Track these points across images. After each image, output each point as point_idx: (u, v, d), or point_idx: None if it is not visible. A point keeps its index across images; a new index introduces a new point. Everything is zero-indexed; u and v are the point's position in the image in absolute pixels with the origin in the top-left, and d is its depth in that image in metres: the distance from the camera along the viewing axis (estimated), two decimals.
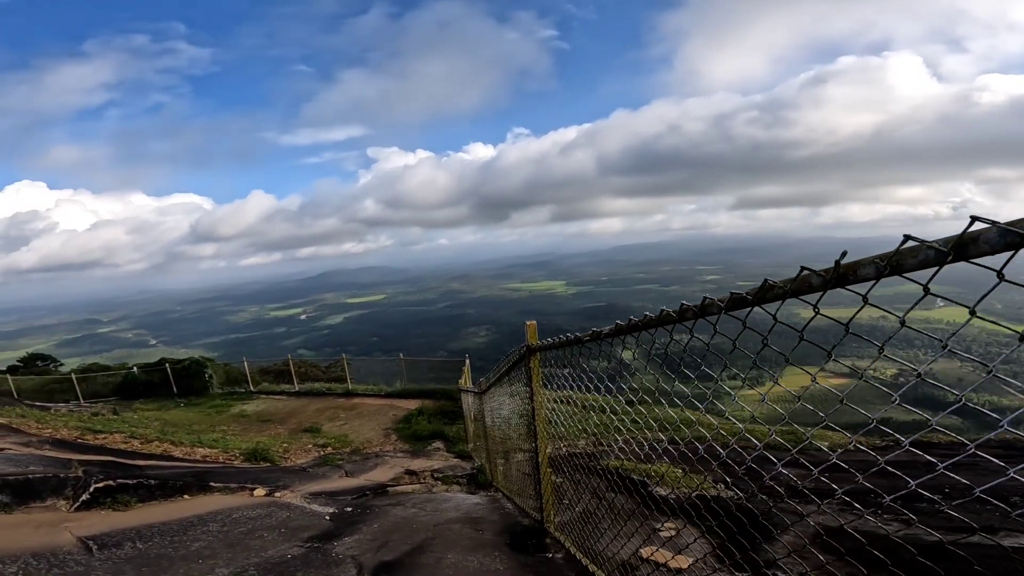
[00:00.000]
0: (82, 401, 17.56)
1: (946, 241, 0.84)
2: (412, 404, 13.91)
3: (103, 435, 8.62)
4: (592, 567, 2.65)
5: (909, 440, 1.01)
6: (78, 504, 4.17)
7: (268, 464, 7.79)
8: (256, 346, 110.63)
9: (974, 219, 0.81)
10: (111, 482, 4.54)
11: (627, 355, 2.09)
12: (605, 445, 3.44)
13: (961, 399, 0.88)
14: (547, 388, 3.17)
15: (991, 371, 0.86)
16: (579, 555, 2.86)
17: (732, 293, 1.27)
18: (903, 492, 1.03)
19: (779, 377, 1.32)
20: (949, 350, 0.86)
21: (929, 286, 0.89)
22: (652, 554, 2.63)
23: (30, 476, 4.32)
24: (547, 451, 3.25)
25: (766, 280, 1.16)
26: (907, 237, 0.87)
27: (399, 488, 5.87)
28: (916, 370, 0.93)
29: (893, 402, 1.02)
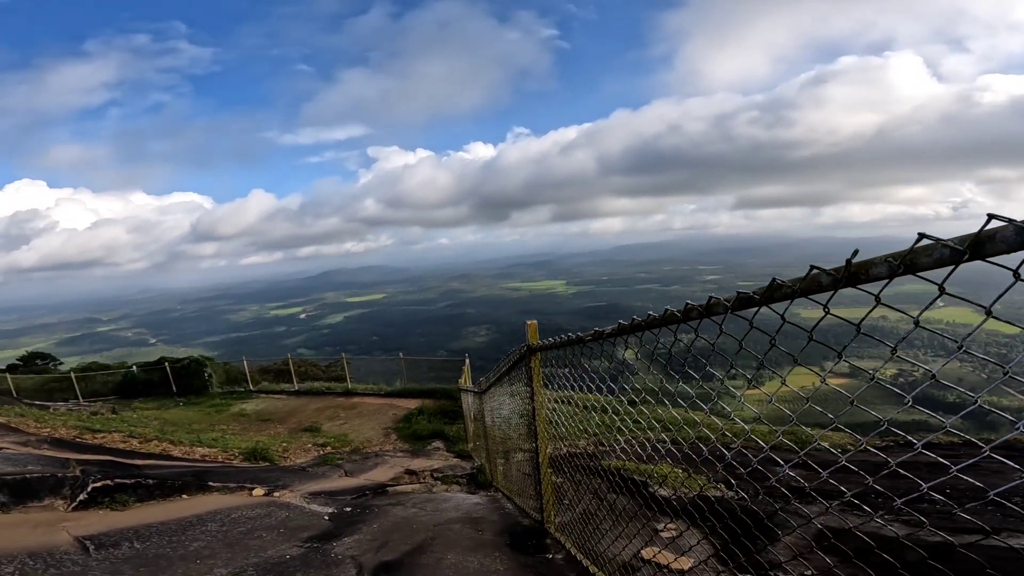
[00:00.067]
0: (81, 400, 17.55)
1: (962, 239, 0.82)
2: (412, 403, 13.89)
3: (102, 434, 8.60)
4: (593, 568, 2.63)
5: (922, 442, 0.99)
6: (76, 504, 4.15)
7: (267, 463, 7.77)
8: (256, 345, 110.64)
9: (991, 217, 0.79)
10: (109, 482, 4.52)
11: (629, 355, 2.07)
12: (606, 445, 3.42)
13: (977, 401, 0.86)
14: (548, 388, 3.15)
15: (1007, 372, 0.84)
16: (580, 556, 2.84)
17: (739, 293, 1.25)
18: (915, 495, 1.01)
19: (785, 377, 1.30)
20: (965, 351, 0.84)
21: (941, 286, 0.87)
22: (654, 556, 2.61)
23: (28, 475, 4.30)
24: (548, 451, 3.23)
25: (774, 279, 1.14)
26: (921, 235, 0.84)
27: (399, 488, 5.85)
28: (931, 371, 0.91)
29: (906, 403, 1.00)
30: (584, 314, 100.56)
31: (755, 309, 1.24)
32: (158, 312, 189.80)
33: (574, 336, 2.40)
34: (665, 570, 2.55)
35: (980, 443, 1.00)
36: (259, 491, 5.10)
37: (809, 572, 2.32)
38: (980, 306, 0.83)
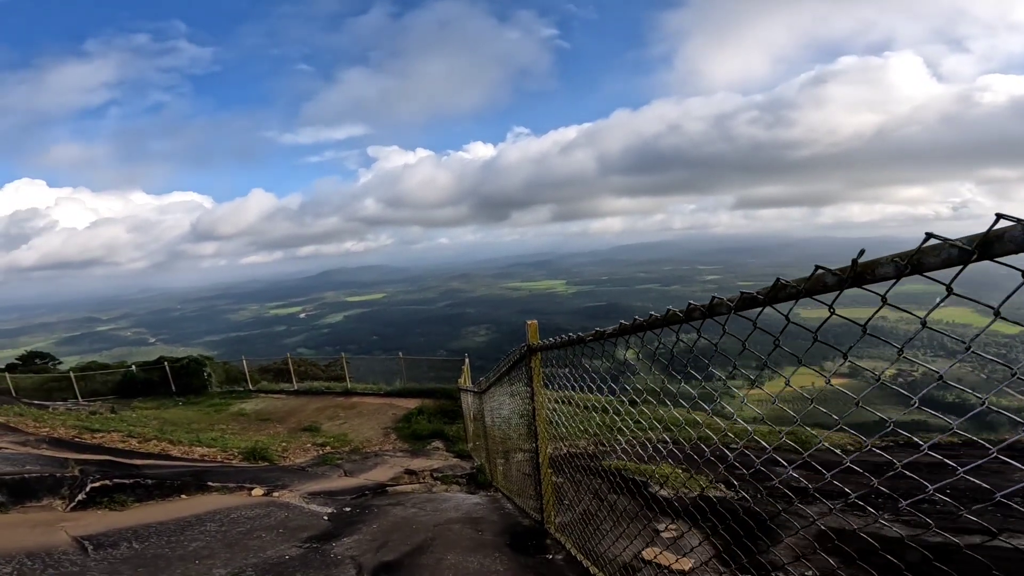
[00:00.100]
0: (80, 400, 17.52)
1: (970, 239, 0.80)
2: (412, 403, 13.88)
3: (101, 434, 8.58)
4: (593, 569, 2.63)
5: (928, 444, 0.98)
6: (74, 504, 4.14)
7: (267, 463, 7.76)
8: (256, 345, 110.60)
9: (999, 216, 0.78)
10: (108, 482, 4.51)
11: (630, 355, 2.06)
12: (607, 446, 3.41)
13: (984, 402, 0.85)
14: (548, 388, 3.14)
15: (1015, 373, 0.83)
16: (580, 556, 2.83)
17: (743, 293, 1.24)
18: (919, 496, 1.00)
19: (789, 377, 1.29)
20: (972, 351, 0.83)
21: (949, 286, 0.86)
22: (655, 556, 2.60)
23: (26, 475, 4.29)
24: (548, 451, 3.22)
25: (778, 279, 1.13)
26: (929, 235, 0.84)
27: (399, 488, 5.84)
28: (933, 371, 0.91)
29: (912, 404, 0.99)
30: (584, 314, 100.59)
31: (758, 309, 1.23)
32: (158, 311, 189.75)
33: (574, 336, 2.39)
34: (666, 571, 2.54)
35: (987, 444, 0.99)
36: (258, 491, 5.09)
37: (811, 573, 2.32)
38: (988, 307, 0.82)
